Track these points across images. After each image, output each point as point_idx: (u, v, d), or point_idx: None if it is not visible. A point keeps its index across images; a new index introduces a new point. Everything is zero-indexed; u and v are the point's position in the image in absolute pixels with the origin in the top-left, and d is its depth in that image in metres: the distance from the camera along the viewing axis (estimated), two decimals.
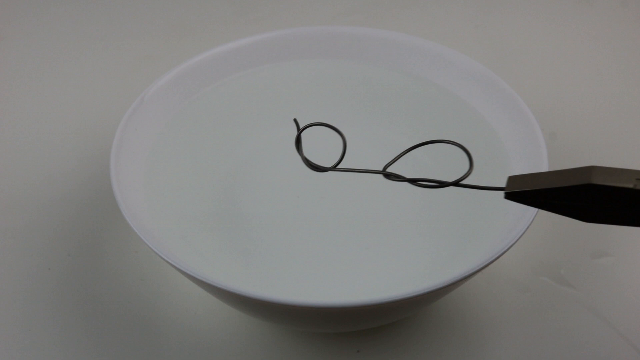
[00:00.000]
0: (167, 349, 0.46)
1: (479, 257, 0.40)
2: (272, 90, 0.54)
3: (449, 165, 0.44)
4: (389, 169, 0.36)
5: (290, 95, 0.55)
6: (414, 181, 0.35)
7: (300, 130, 0.37)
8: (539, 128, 0.46)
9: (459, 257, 0.45)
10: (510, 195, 0.32)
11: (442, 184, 0.34)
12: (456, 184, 0.34)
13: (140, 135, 0.48)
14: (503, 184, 0.33)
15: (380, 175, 0.36)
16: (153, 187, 0.47)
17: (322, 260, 0.47)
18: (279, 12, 0.71)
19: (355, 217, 0.49)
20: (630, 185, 0.30)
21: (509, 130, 0.48)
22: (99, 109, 0.61)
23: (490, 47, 0.67)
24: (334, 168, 0.37)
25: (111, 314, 0.47)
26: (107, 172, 0.45)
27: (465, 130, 0.51)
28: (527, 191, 0.32)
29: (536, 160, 0.45)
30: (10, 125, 0.61)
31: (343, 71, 0.55)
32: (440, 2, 0.72)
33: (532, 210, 0.41)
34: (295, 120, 0.38)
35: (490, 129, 0.49)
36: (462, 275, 0.39)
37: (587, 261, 0.50)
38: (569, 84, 0.63)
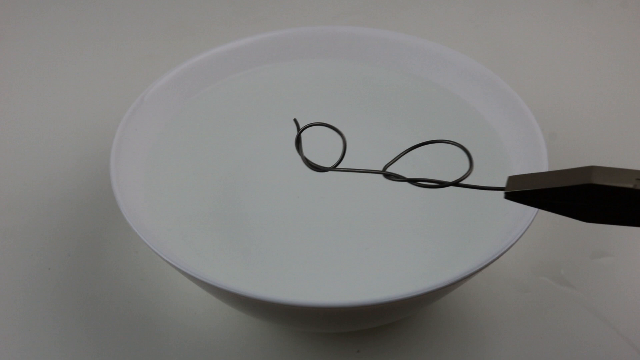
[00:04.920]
0: (167, 349, 0.46)
1: (479, 257, 0.40)
2: (272, 90, 0.54)
3: (449, 165, 0.44)
4: (389, 169, 0.36)
5: (290, 95, 0.55)
6: (414, 181, 0.35)
7: (300, 130, 0.37)
8: (539, 128, 0.46)
9: (459, 257, 0.45)
10: (510, 195, 0.32)
11: (442, 184, 0.34)
12: (456, 184, 0.34)
13: (140, 135, 0.48)
14: (503, 184, 0.33)
15: (380, 175, 0.36)
16: (153, 187, 0.47)
17: (322, 260, 0.47)
18: (279, 12, 0.71)
19: (355, 217, 0.49)
20: (630, 185, 0.30)
21: (509, 130, 0.48)
22: (99, 109, 0.61)
23: (490, 47, 0.67)
24: (334, 168, 0.37)
25: (111, 314, 0.47)
26: (107, 172, 0.45)
27: (465, 130, 0.51)
28: (527, 191, 0.32)
29: (536, 160, 0.45)
30: (10, 125, 0.61)
31: (343, 71, 0.55)
32: (440, 2, 0.72)
33: (532, 210, 0.41)
34: (295, 120, 0.38)
35: (490, 129, 0.49)
36: (462, 275, 0.39)
37: (587, 261, 0.50)
38: (569, 84, 0.63)
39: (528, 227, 0.41)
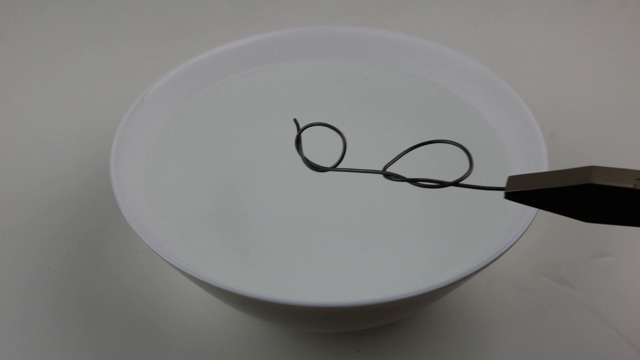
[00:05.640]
0: (167, 349, 0.46)
1: (479, 257, 0.40)
2: (272, 90, 0.54)
3: (449, 165, 0.44)
4: (389, 169, 0.36)
5: (290, 95, 0.55)
6: (414, 181, 0.35)
7: (300, 130, 0.37)
8: (539, 128, 0.46)
9: (459, 257, 0.45)
10: (510, 195, 0.32)
11: (442, 184, 0.34)
12: (456, 184, 0.34)
13: (140, 135, 0.48)
14: (503, 184, 0.33)
15: (380, 175, 0.36)
16: (153, 187, 0.47)
17: (322, 260, 0.47)
18: (279, 12, 0.71)
19: (355, 217, 0.49)
20: (630, 185, 0.30)
21: (509, 130, 0.48)
22: (99, 109, 0.61)
23: (490, 47, 0.67)
24: (334, 168, 0.37)
25: (111, 314, 0.47)
26: (107, 172, 0.45)
27: (465, 130, 0.51)
28: (527, 191, 0.32)
29: (536, 160, 0.45)
30: (10, 125, 0.61)
31: (343, 71, 0.55)
32: (440, 2, 0.72)
33: (532, 210, 0.41)
34: (295, 120, 0.38)
35: (490, 129, 0.49)
36: (462, 275, 0.39)
37: (587, 261, 0.50)
38: (569, 84, 0.63)
39: (528, 227, 0.41)
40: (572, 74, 0.64)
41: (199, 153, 0.51)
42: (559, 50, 0.67)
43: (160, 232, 0.44)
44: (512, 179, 0.33)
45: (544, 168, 0.44)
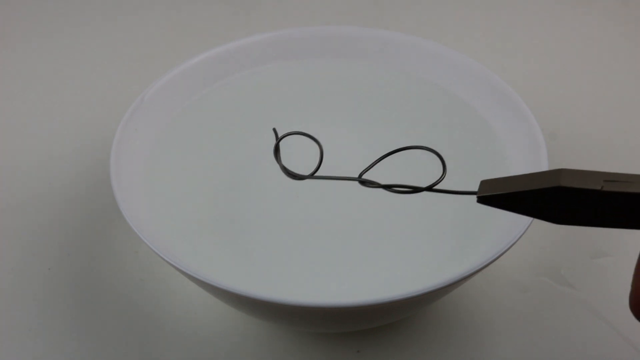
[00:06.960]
0: (167, 348, 0.46)
1: (478, 257, 0.40)
2: (273, 90, 0.54)
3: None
4: (365, 176, 0.36)
5: (291, 95, 0.55)
6: (388, 187, 0.35)
7: (278, 140, 0.37)
8: (539, 128, 0.46)
9: (459, 258, 0.45)
10: (483, 199, 0.32)
11: (415, 190, 0.34)
12: (430, 189, 0.34)
13: (140, 135, 0.48)
14: None
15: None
16: (153, 187, 0.47)
17: (322, 261, 0.47)
18: (279, 12, 0.71)
19: (356, 217, 0.49)
20: (598, 187, 0.30)
21: (509, 130, 0.48)
22: (99, 109, 0.61)
23: (490, 47, 0.67)
24: (311, 176, 0.37)
25: (111, 314, 0.47)
26: (107, 172, 0.45)
27: (465, 130, 0.51)
28: (498, 195, 0.32)
29: (536, 160, 0.45)
30: (11, 125, 0.61)
31: (343, 71, 0.55)
32: (440, 2, 0.72)
33: None
34: (274, 129, 0.38)
35: (490, 129, 0.49)
36: (462, 275, 0.39)
37: (587, 261, 0.50)
38: (569, 83, 0.63)
39: (528, 227, 0.41)
40: (572, 74, 0.64)
41: (199, 153, 0.51)
42: (559, 50, 0.67)
43: (160, 232, 0.44)
44: (484, 183, 0.32)
45: (544, 168, 0.44)
